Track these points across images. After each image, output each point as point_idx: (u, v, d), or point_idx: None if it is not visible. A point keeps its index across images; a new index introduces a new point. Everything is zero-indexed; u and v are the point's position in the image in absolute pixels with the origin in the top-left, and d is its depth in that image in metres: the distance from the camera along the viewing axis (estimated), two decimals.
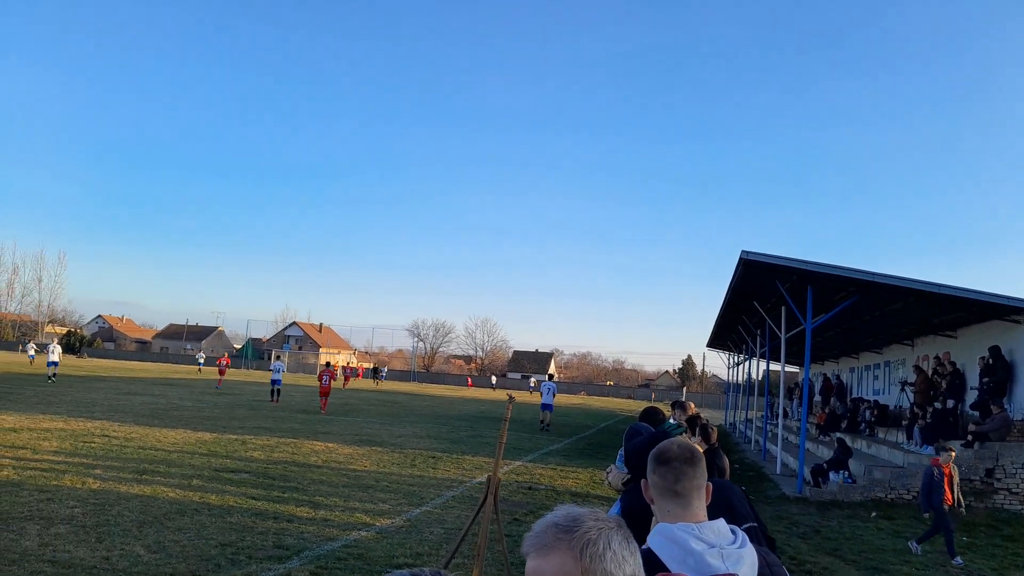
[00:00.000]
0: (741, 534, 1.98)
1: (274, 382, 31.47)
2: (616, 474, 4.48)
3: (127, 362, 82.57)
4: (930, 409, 17.21)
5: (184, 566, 6.92)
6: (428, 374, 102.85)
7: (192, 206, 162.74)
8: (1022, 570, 9.89)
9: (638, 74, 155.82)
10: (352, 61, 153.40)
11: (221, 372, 41.78)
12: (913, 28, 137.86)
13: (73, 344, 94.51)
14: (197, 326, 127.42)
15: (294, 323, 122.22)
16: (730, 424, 42.37)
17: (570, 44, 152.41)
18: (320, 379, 29.72)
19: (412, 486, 12.66)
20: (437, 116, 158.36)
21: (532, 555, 1.29)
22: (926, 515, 10.37)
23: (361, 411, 30.09)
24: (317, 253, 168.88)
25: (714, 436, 7.01)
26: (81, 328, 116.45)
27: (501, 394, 67.92)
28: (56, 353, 34.32)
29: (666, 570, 1.85)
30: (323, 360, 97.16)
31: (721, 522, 2.01)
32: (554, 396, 28.60)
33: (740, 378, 39.76)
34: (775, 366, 27.11)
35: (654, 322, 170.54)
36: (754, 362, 33.53)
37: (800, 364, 36.81)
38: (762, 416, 28.59)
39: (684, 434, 5.28)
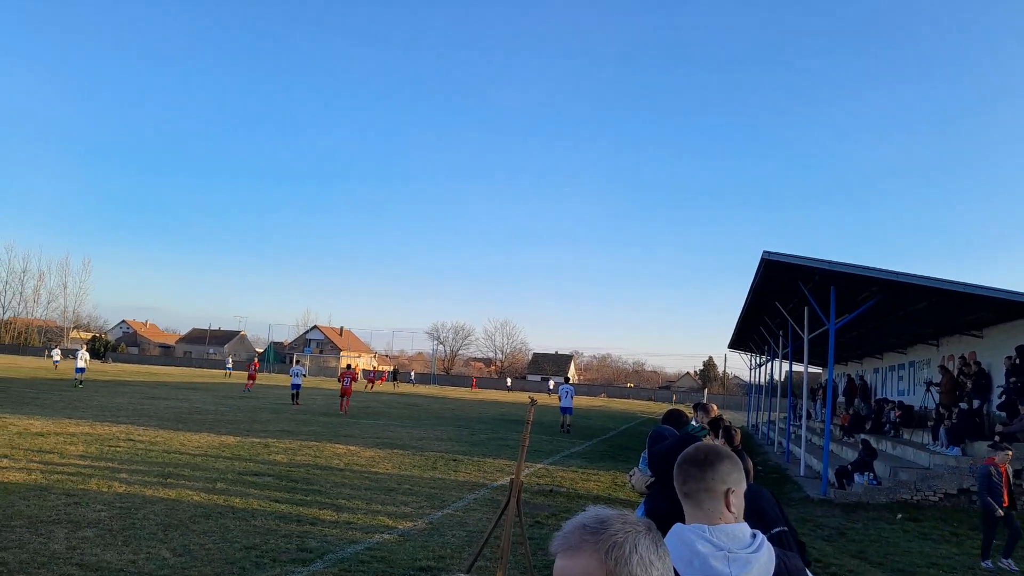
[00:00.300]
0: (760, 538, 1.97)
1: (294, 386, 32.27)
2: (639, 477, 4.47)
3: (151, 367, 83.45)
4: (956, 410, 16.99)
5: (209, 569, 6.97)
6: (447, 376, 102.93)
7: (214, 212, 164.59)
8: None
9: (659, 74, 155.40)
10: (376, 65, 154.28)
11: (251, 377, 42.63)
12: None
13: (98, 349, 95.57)
14: (220, 331, 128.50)
15: (315, 327, 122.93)
16: (752, 426, 42.06)
17: (589, 44, 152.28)
18: (341, 381, 30.27)
19: (434, 489, 12.68)
20: (457, 120, 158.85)
21: (560, 555, 1.29)
22: (999, 515, 9.59)
23: (382, 414, 30.19)
24: (338, 257, 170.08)
25: (737, 438, 6.97)
26: (106, 333, 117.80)
27: (516, 396, 67.92)
28: (84, 360, 35.01)
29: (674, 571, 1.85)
30: (344, 363, 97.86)
31: (742, 526, 1.99)
32: (572, 398, 28.76)
33: (762, 379, 39.49)
34: (798, 367, 26.89)
35: (674, 323, 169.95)
36: (776, 363, 33.25)
37: (823, 365, 36.52)
38: (785, 418, 28.37)
39: (707, 436, 5.26)
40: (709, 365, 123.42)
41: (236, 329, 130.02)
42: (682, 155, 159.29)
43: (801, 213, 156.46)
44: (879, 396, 27.78)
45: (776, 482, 17.67)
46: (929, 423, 18.59)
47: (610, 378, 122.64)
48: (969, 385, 17.22)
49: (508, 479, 13.99)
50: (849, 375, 33.87)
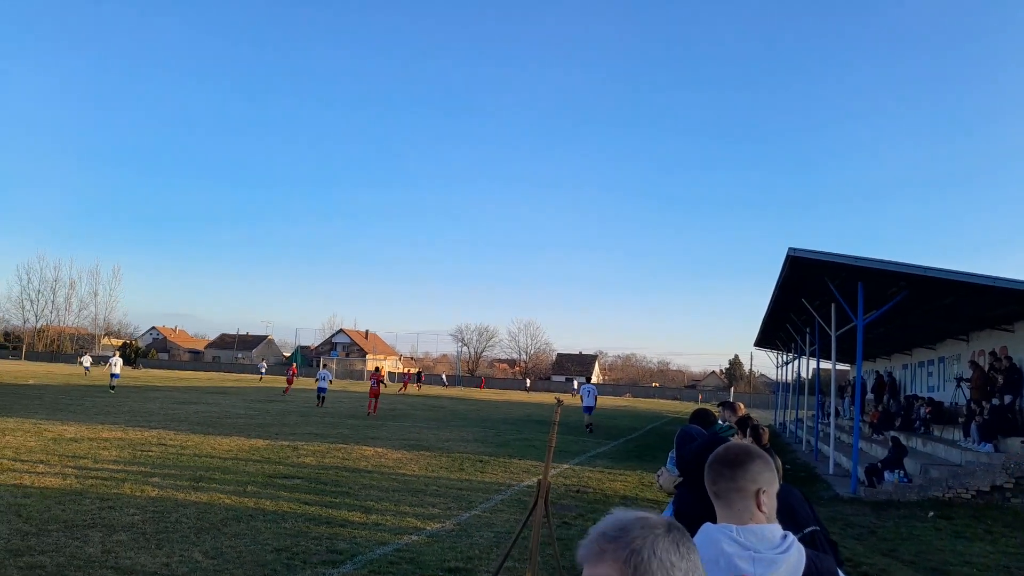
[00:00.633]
0: (790, 539, 1.96)
1: (320, 389, 33.45)
2: (667, 477, 4.47)
3: (181, 372, 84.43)
4: (987, 405, 16.74)
5: (241, 571, 7.07)
6: (472, 378, 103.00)
7: (240, 218, 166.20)
8: None
9: (683, 67, 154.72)
10: (400, 74, 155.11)
11: (289, 381, 44.44)
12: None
13: (128, 355, 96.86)
14: (248, 335, 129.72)
15: (341, 330, 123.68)
16: (780, 424, 41.71)
17: (614, 39, 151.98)
18: (371, 383, 31.14)
19: (461, 490, 12.73)
20: (481, 125, 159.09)
21: (584, 565, 1.30)
22: None
23: (408, 416, 30.34)
24: (363, 261, 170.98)
25: (765, 437, 6.94)
26: (136, 340, 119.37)
27: (536, 397, 67.88)
28: (117, 366, 36.01)
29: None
30: (372, 366, 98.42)
31: (773, 526, 1.99)
32: (595, 398, 29.06)
33: (789, 377, 39.15)
34: (825, 364, 26.64)
35: (699, 322, 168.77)
36: (803, 360, 32.97)
37: (850, 362, 36.17)
38: (813, 416, 28.12)
39: (735, 435, 5.25)
40: (735, 364, 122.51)
41: (263, 334, 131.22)
42: (707, 153, 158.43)
43: (826, 211, 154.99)
44: (908, 392, 27.44)
45: (805, 480, 17.53)
46: (960, 419, 18.34)
47: (635, 378, 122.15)
48: (1000, 380, 16.97)
49: (535, 480, 14.02)
50: (878, 372, 33.48)
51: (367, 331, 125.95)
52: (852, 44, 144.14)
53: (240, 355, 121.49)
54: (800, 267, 16.74)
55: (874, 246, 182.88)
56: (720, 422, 6.33)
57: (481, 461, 16.73)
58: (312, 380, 47.07)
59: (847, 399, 32.27)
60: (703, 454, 3.85)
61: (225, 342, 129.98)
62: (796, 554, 1.93)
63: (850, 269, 15.49)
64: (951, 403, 21.62)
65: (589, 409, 28.45)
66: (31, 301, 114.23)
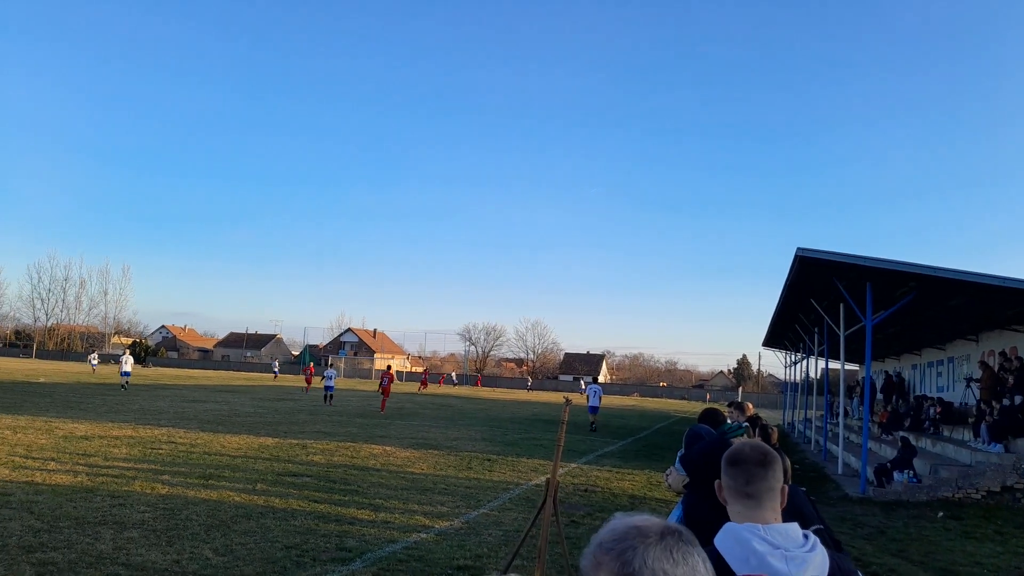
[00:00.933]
0: (813, 538, 1.96)
1: (327, 388, 34.02)
2: (676, 476, 4.48)
3: (190, 370, 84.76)
4: (997, 406, 16.67)
5: (251, 568, 7.11)
6: (481, 376, 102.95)
7: (248, 217, 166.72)
8: None
9: (693, 70, 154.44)
10: (406, 75, 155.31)
11: (308, 380, 45.68)
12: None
13: (138, 354, 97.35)
14: (257, 334, 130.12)
15: (349, 329, 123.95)
16: (788, 424, 41.57)
17: (626, 40, 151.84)
18: (381, 381, 31.71)
19: (469, 488, 12.76)
20: (487, 122, 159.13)
21: (588, 573, 1.32)
22: None
23: (416, 415, 30.40)
24: (371, 260, 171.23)
25: (774, 437, 6.94)
26: (146, 338, 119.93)
27: (538, 396, 67.87)
28: (128, 364, 36.59)
29: (729, 570, 1.84)
30: (383, 365, 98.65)
31: (793, 526, 1.98)
32: (600, 399, 29.44)
33: (798, 377, 39.03)
34: (834, 364, 26.57)
35: (707, 322, 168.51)
36: (812, 360, 32.87)
37: (859, 362, 36.04)
38: (822, 416, 28.03)
39: (744, 435, 5.25)
40: (743, 363, 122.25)
41: (272, 332, 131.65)
42: (716, 154, 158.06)
43: (833, 212, 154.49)
44: (918, 393, 27.34)
45: (814, 481, 17.49)
46: (970, 420, 18.27)
47: (643, 377, 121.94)
48: (1011, 381, 16.89)
49: (543, 479, 14.03)
50: (887, 372, 33.36)
51: (375, 330, 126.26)
52: (854, 45, 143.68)
53: (249, 354, 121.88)
54: (809, 267, 16.69)
55: (882, 247, 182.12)
56: (729, 422, 6.33)
57: (489, 460, 16.76)
58: (315, 379, 47.33)
59: (856, 399, 32.15)
60: (709, 456, 3.87)
61: (234, 341, 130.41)
62: (821, 553, 1.93)
63: (859, 269, 15.45)
64: (960, 403, 21.53)
65: (594, 409, 28.74)
66: (42, 300, 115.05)
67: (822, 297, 19.87)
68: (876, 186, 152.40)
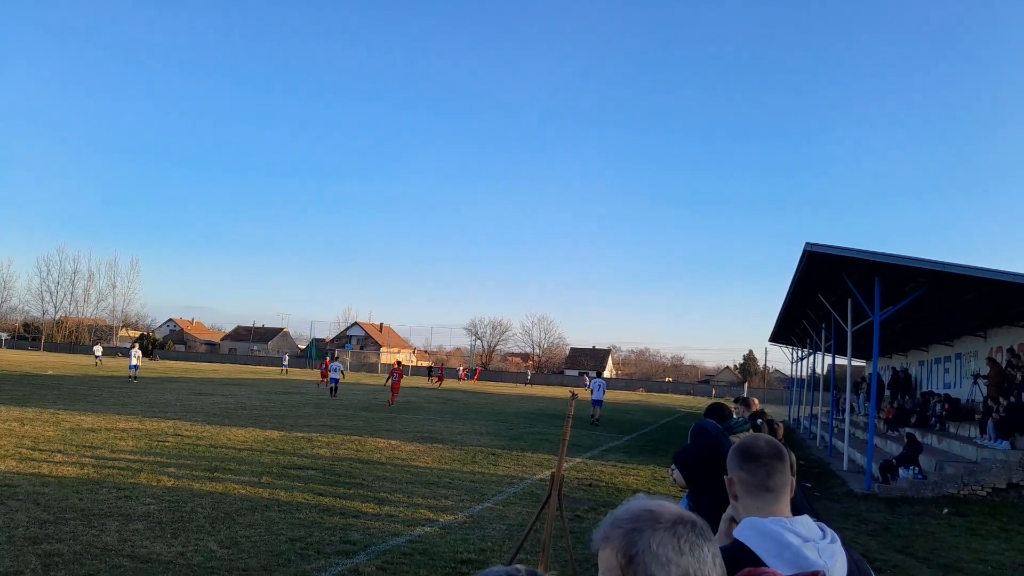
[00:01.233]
0: (830, 530, 1.93)
1: (333, 380, 34.85)
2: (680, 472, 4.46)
3: (197, 364, 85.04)
4: (1004, 402, 16.60)
5: (255, 561, 7.12)
6: (484, 371, 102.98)
7: (256, 211, 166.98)
8: None
9: (702, 68, 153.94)
10: (413, 67, 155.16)
11: (323, 375, 45.06)
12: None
13: (146, 347, 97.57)
14: (263, 328, 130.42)
15: (355, 323, 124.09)
16: (794, 420, 41.53)
17: (636, 38, 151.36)
18: (391, 375, 32.27)
19: (473, 482, 12.76)
20: (494, 118, 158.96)
21: (597, 546, 1.32)
22: None
23: (422, 409, 30.43)
24: (378, 255, 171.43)
25: (780, 433, 6.92)
26: (153, 331, 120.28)
27: (535, 390, 67.89)
28: (137, 357, 37.13)
29: (761, 564, 1.79)
30: (389, 359, 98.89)
31: (807, 518, 1.97)
32: (604, 392, 29.78)
33: (804, 373, 38.97)
34: (840, 360, 26.49)
35: (713, 317, 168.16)
36: (818, 356, 32.79)
37: (866, 358, 35.91)
38: (827, 412, 27.98)
39: (749, 430, 5.23)
40: (749, 359, 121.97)
41: (279, 326, 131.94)
42: (721, 151, 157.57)
43: (841, 208, 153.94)
44: (924, 389, 27.25)
45: (819, 476, 17.46)
46: (976, 416, 18.19)
47: (648, 372, 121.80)
48: (1019, 377, 16.82)
49: (548, 473, 14.04)
50: (894, 368, 33.25)
51: (381, 324, 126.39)
52: (858, 44, 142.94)
53: (256, 347, 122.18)
54: (817, 262, 16.63)
55: (887, 244, 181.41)
56: (735, 417, 6.31)
57: (494, 454, 16.76)
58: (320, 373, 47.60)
59: (862, 395, 32.06)
60: (699, 456, 3.86)
61: (241, 334, 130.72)
62: (839, 545, 1.92)
63: (868, 264, 15.38)
64: (967, 400, 21.45)
65: (598, 402, 29.02)
66: (50, 293, 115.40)
67: (830, 292, 19.80)
68: (882, 183, 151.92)
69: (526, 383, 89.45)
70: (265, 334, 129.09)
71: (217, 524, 8.42)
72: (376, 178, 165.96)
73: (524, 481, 13.33)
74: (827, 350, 26.63)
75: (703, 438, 3.94)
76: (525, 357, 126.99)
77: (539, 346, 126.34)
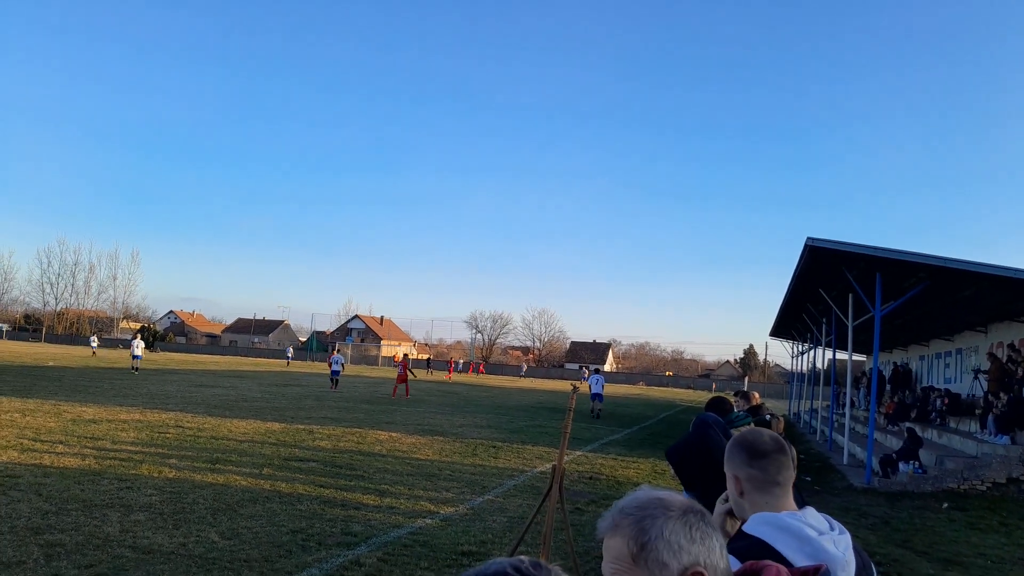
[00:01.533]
0: (836, 523, 1.94)
1: (334, 372, 35.15)
2: None
3: (198, 356, 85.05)
4: (1005, 397, 16.61)
5: (257, 552, 7.14)
6: (485, 364, 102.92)
7: (257, 204, 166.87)
8: None
9: (701, 63, 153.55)
10: (413, 61, 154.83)
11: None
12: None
13: (147, 339, 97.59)
14: (264, 320, 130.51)
15: (356, 316, 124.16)
16: (794, 414, 41.56)
17: (633, 34, 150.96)
18: (398, 368, 33.68)
19: (474, 475, 12.79)
20: (493, 112, 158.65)
21: (603, 535, 1.33)
22: None
23: (422, 402, 30.46)
24: (379, 248, 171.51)
25: (780, 427, 6.93)
26: (154, 323, 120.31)
27: (532, 383, 67.95)
28: (139, 348, 37.71)
29: (782, 559, 1.77)
30: (389, 352, 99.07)
31: (813, 510, 1.97)
32: (603, 387, 30.08)
33: (804, 367, 38.95)
34: (841, 355, 26.51)
35: (714, 311, 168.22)
36: (819, 351, 32.79)
37: (866, 353, 35.92)
38: (827, 406, 27.99)
39: (752, 423, 5.23)
40: (750, 353, 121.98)
41: (280, 319, 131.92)
42: (723, 146, 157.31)
43: (843, 201, 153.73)
44: (925, 384, 27.25)
45: (819, 471, 17.48)
46: (977, 411, 18.21)
47: (649, 366, 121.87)
48: (1019, 373, 16.82)
49: (549, 466, 14.07)
50: (894, 363, 33.26)
51: (382, 317, 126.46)
52: (862, 41, 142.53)
53: (256, 339, 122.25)
54: (818, 256, 16.62)
55: (890, 237, 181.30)
56: (736, 411, 6.32)
57: (494, 447, 16.79)
58: (323, 365, 47.67)
59: (862, 390, 32.08)
60: (688, 450, 3.87)
61: (242, 326, 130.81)
62: (847, 535, 1.92)
63: (869, 259, 15.36)
64: (968, 395, 21.46)
65: (597, 396, 29.29)
66: (51, 284, 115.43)
67: (831, 287, 19.79)
68: (883, 179, 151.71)
69: (520, 375, 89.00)
70: (266, 326, 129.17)
71: (218, 515, 8.45)
72: (377, 171, 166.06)
73: (524, 474, 13.36)
74: (828, 345, 26.64)
75: (692, 434, 3.96)
76: (525, 351, 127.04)
77: (539, 339, 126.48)
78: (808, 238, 15.73)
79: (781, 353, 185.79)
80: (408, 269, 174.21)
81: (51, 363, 40.47)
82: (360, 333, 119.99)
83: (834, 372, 27.22)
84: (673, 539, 1.26)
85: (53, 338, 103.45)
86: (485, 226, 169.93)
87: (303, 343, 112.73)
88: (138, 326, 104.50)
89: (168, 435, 14.75)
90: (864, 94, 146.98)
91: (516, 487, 11.92)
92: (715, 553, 1.30)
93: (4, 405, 17.77)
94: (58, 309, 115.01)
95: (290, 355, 72.21)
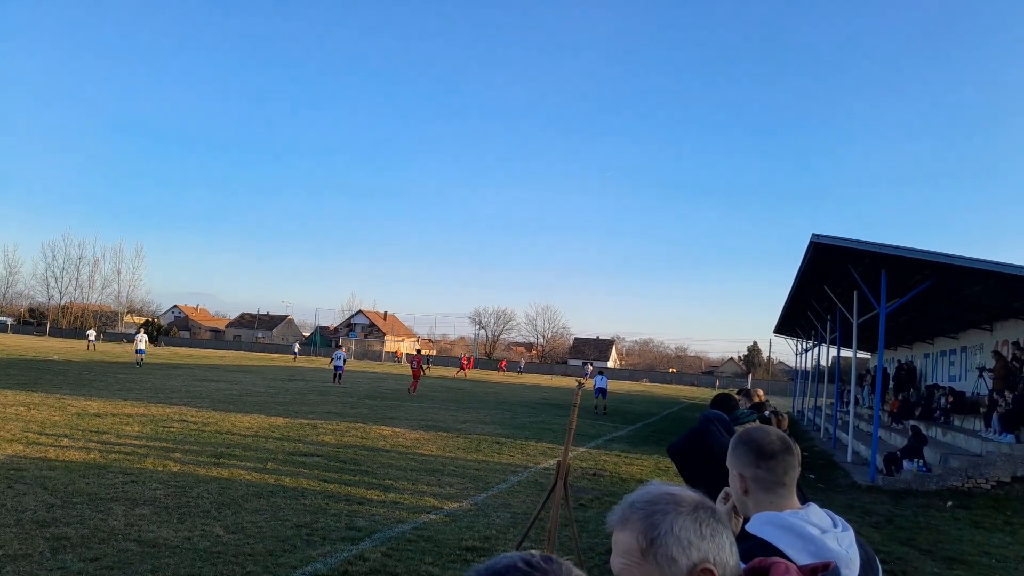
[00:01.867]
0: (840, 519, 1.93)
1: (336, 367, 35.70)
2: None
3: (202, 350, 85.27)
4: (1010, 395, 16.55)
5: (261, 546, 7.16)
6: (488, 360, 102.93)
7: (261, 198, 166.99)
8: None
9: (706, 57, 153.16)
10: (418, 55, 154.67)
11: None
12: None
13: (151, 333, 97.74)
14: (268, 315, 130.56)
15: (360, 311, 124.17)
16: (798, 412, 41.51)
17: (639, 28, 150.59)
18: (411, 364, 34.30)
19: (478, 471, 12.80)
20: (496, 107, 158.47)
21: (612, 529, 1.33)
22: None
23: (426, 397, 30.49)
24: (382, 243, 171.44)
25: (784, 424, 6.91)
26: (158, 318, 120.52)
27: (527, 379, 67.95)
28: (143, 342, 38.14)
29: (785, 558, 1.74)
30: (392, 347, 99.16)
31: (816, 507, 1.96)
32: (606, 383, 30.45)
33: (808, 365, 38.89)
34: (845, 352, 26.46)
35: (718, 309, 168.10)
36: (823, 348, 32.73)
37: (871, 350, 35.87)
38: (832, 404, 27.96)
39: (756, 420, 5.23)
40: (754, 350, 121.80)
41: (283, 313, 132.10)
42: (726, 141, 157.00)
43: (848, 198, 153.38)
44: (929, 382, 27.19)
45: (823, 468, 17.47)
46: (981, 409, 18.16)
47: (652, 363, 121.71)
48: None
49: (552, 462, 14.07)
50: (899, 360, 33.20)
51: (385, 312, 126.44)
52: (864, 38, 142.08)
53: (260, 334, 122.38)
54: (823, 253, 16.58)
55: (892, 236, 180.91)
56: (741, 408, 6.31)
57: (498, 443, 16.80)
58: (326, 360, 47.72)
59: (867, 387, 32.03)
60: (684, 447, 3.86)
61: (246, 321, 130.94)
62: (851, 531, 1.91)
63: (874, 256, 15.32)
64: (972, 393, 21.40)
65: (602, 392, 29.53)
66: (56, 278, 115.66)
67: (836, 284, 19.75)
68: (887, 176, 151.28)
69: (518, 372, 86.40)
70: (270, 321, 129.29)
71: (223, 509, 8.47)
72: (381, 166, 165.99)
73: (528, 470, 13.37)
74: (832, 342, 26.59)
75: (694, 430, 3.95)
76: (529, 347, 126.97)
77: (543, 336, 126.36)
78: (813, 235, 15.69)
79: (785, 350, 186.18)
80: (412, 264, 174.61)
81: (55, 357, 40.58)
82: (364, 328, 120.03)
83: (838, 369, 27.18)
84: (683, 535, 1.26)
85: (58, 332, 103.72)
86: (490, 221, 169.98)
87: (307, 338, 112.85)
88: (142, 320, 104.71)
89: (172, 429, 14.78)
90: (868, 92, 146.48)
91: (520, 483, 11.93)
92: (725, 550, 1.30)
93: (9, 399, 17.82)
94: (62, 303, 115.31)
95: (297, 350, 72.23)
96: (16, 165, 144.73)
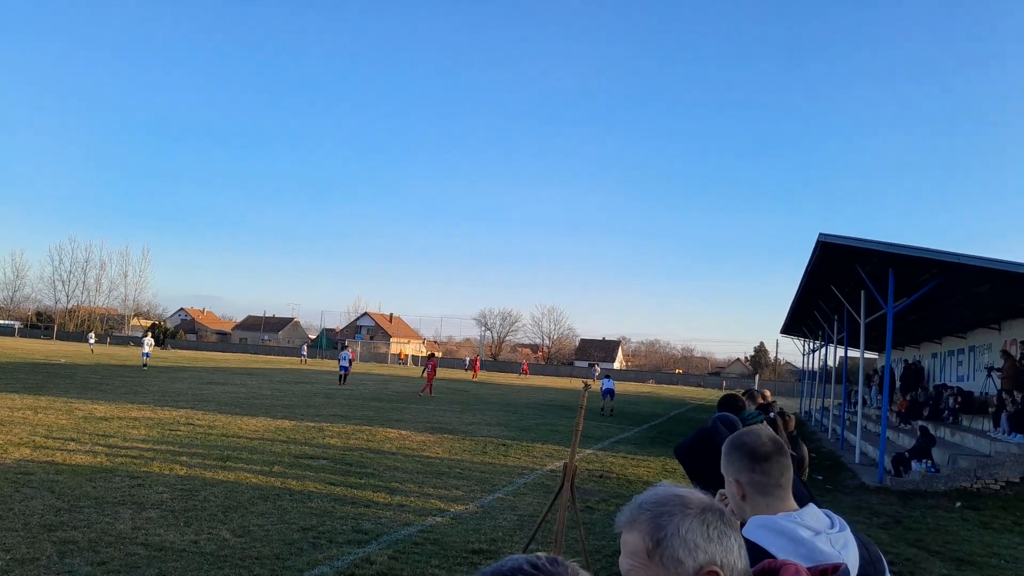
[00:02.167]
0: (838, 518, 1.92)
1: (342, 368, 36.16)
2: None
3: (208, 353, 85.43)
4: (1018, 395, 16.47)
5: (268, 549, 7.15)
6: (495, 362, 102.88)
7: (266, 201, 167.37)
8: None
9: (712, 53, 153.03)
10: (421, 56, 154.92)
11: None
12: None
13: (157, 336, 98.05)
14: (274, 317, 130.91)
15: (366, 313, 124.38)
16: (805, 413, 41.40)
17: (643, 22, 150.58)
18: (424, 367, 35.05)
19: (484, 473, 12.78)
20: (496, 109, 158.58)
21: (621, 530, 1.32)
22: None
23: (432, 399, 30.49)
24: (388, 245, 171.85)
25: (791, 424, 6.88)
26: (165, 321, 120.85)
27: (530, 380, 67.89)
28: (149, 346, 38.48)
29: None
30: (397, 349, 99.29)
31: (813, 507, 1.95)
32: (613, 384, 30.87)
33: (815, 365, 38.82)
34: (853, 352, 26.37)
35: (724, 309, 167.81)
36: (830, 348, 32.65)
37: (878, 350, 35.75)
38: (839, 404, 27.87)
39: (764, 421, 5.20)
40: (760, 351, 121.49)
41: (289, 316, 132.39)
42: (732, 140, 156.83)
43: (857, 196, 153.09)
44: (938, 382, 27.09)
45: (831, 469, 17.41)
46: (990, 409, 18.07)
47: (658, 364, 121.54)
48: None
49: (558, 464, 14.05)
50: (906, 360, 33.08)
51: (391, 314, 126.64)
52: (868, 34, 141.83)
53: (267, 337, 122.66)
54: (830, 253, 16.52)
55: (898, 235, 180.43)
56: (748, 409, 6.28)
57: (504, 445, 16.78)
58: (332, 362, 47.88)
59: (874, 388, 31.92)
60: (692, 449, 3.84)
61: (252, 324, 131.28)
62: (849, 532, 1.89)
63: (881, 255, 15.25)
64: (981, 393, 21.31)
65: (608, 392, 29.79)
66: (63, 282, 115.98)
67: (843, 284, 19.67)
68: (892, 175, 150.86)
69: (519, 373, 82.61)
70: (276, 324, 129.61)
71: (230, 513, 8.47)
72: (387, 168, 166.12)
73: (535, 472, 13.34)
74: (839, 342, 26.50)
75: (700, 431, 3.93)
76: (535, 348, 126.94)
77: (549, 337, 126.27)
78: (820, 234, 15.64)
79: (792, 351, 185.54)
80: (417, 266, 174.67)
81: (62, 360, 40.71)
82: (369, 330, 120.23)
83: (846, 370, 27.08)
84: (689, 537, 1.26)
85: (65, 335, 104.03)
86: (495, 223, 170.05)
87: (313, 340, 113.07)
88: (149, 323, 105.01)
89: (179, 432, 14.80)
90: (872, 91, 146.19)
91: (526, 485, 11.90)
92: (732, 553, 1.29)
93: (16, 402, 17.88)
94: (69, 306, 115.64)
95: (305, 353, 72.10)
96: (23, 168, 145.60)
